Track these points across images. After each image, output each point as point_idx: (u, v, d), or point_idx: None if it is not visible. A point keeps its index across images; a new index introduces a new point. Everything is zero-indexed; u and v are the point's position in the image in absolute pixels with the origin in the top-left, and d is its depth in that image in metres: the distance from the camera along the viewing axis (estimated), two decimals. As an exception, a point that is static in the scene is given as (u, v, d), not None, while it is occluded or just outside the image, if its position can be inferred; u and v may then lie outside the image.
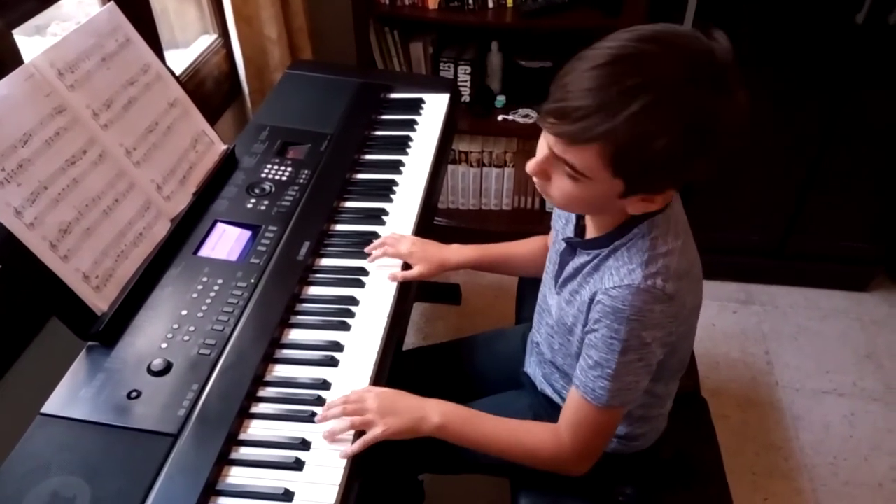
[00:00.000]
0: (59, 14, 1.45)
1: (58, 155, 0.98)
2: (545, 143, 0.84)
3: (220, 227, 1.18)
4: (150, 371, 0.93)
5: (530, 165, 0.87)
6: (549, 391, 1.14)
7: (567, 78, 0.79)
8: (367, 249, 1.19)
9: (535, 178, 0.89)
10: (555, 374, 1.10)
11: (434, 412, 0.97)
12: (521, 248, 1.26)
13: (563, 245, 1.02)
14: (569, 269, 0.99)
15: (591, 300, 0.90)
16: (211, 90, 1.80)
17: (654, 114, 0.74)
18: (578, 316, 0.95)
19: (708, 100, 0.75)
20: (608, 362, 0.88)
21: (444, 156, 1.53)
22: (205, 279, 1.07)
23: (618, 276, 0.87)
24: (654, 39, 0.77)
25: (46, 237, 0.93)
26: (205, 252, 1.13)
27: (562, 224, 1.05)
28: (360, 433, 0.93)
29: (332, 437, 0.91)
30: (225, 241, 1.15)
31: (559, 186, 0.86)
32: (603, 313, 0.88)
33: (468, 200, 2.33)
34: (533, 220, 2.29)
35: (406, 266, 1.19)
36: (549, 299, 1.05)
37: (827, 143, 1.92)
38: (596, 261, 0.93)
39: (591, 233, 0.97)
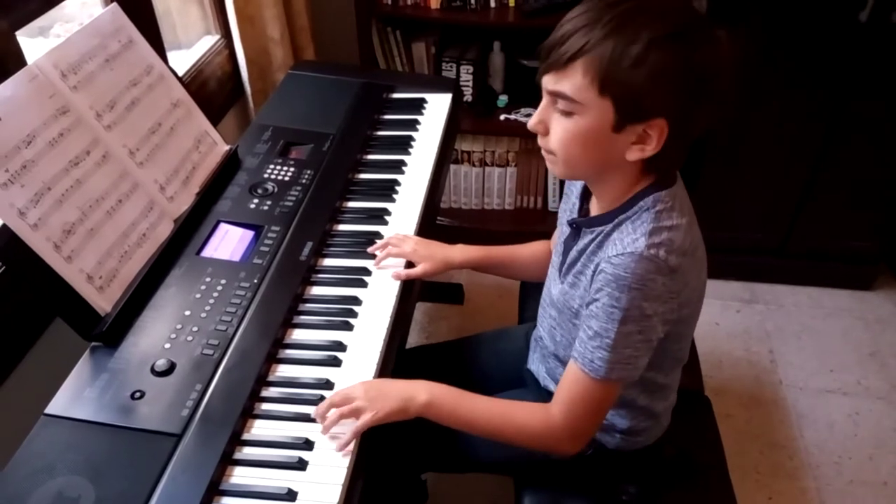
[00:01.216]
0: (62, 15, 1.46)
1: (61, 156, 0.98)
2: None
3: (223, 227, 1.18)
4: (153, 371, 0.93)
5: (530, 122, 0.90)
6: (552, 387, 1.13)
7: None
8: (370, 250, 1.19)
9: (540, 143, 0.91)
10: (559, 367, 1.10)
11: (421, 391, 0.96)
12: (524, 251, 1.26)
13: (568, 232, 1.02)
14: (573, 253, 0.99)
15: (595, 272, 0.91)
16: (214, 91, 1.80)
17: (633, 17, 0.79)
18: (584, 296, 0.94)
19: (693, 15, 0.81)
20: (607, 332, 0.88)
21: (446, 155, 1.53)
22: (208, 279, 1.07)
23: (621, 245, 0.88)
24: None
25: (50, 238, 0.93)
26: (208, 252, 1.13)
27: (567, 217, 1.05)
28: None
29: (331, 435, 0.91)
30: (228, 242, 1.15)
31: (556, 133, 0.88)
32: (605, 281, 0.87)
33: (470, 200, 2.33)
34: (535, 220, 2.29)
35: (410, 266, 1.19)
36: (553, 289, 1.05)
37: (830, 141, 1.91)
38: (600, 237, 0.93)
39: (595, 212, 0.98)
